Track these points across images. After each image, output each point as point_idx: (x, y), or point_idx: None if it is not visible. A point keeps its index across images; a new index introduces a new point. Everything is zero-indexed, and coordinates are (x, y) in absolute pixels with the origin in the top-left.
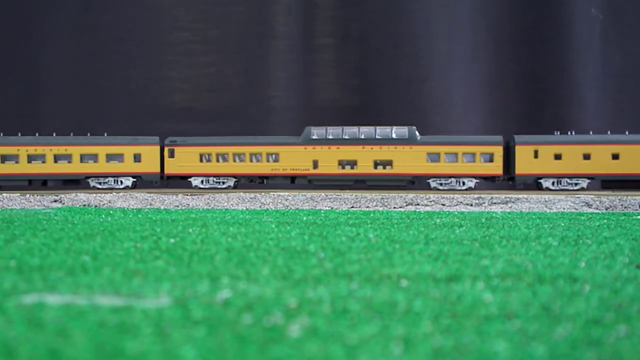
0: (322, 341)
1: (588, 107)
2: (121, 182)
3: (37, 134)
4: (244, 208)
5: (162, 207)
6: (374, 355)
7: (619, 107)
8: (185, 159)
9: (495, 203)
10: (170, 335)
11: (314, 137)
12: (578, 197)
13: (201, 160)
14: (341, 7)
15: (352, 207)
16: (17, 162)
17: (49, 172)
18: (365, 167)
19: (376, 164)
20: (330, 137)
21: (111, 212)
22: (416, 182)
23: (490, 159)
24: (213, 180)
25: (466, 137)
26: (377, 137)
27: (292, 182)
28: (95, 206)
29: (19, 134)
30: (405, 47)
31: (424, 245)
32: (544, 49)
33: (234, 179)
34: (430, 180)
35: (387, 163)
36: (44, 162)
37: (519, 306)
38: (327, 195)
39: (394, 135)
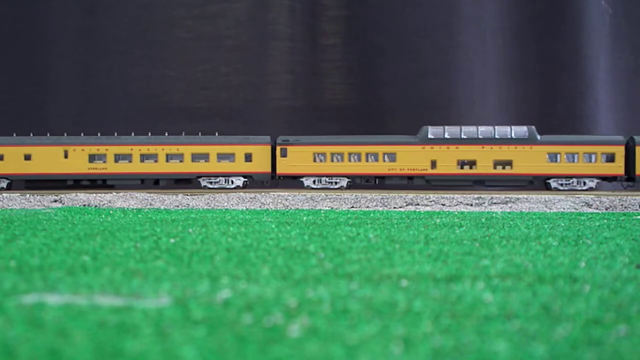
0: (322, 341)
1: (600, 102)
2: (232, 181)
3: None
4: (244, 208)
5: (162, 207)
6: (374, 355)
7: (630, 101)
8: (298, 158)
9: (495, 203)
10: (170, 335)
11: (431, 137)
12: (578, 197)
13: (314, 160)
14: (345, 6)
15: (352, 207)
16: (130, 162)
17: (161, 171)
18: (484, 167)
19: (496, 164)
20: (448, 136)
21: (111, 212)
22: (535, 182)
23: (612, 158)
24: (325, 181)
25: (587, 137)
26: (496, 136)
27: (409, 181)
28: (95, 206)
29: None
30: (411, 45)
31: (424, 245)
32: (553, 42)
33: (347, 179)
34: (550, 181)
35: (507, 163)
36: (156, 161)
37: (519, 306)
38: (327, 195)
39: (513, 135)
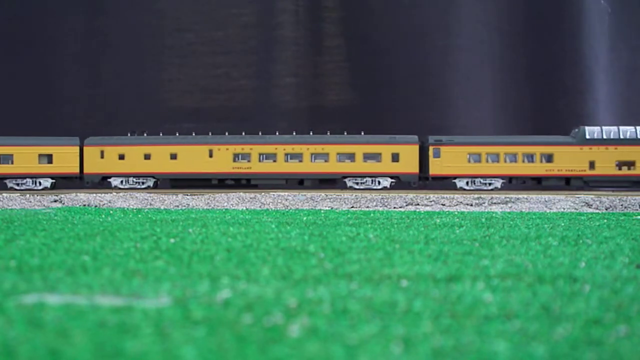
0: (322, 341)
1: (599, 101)
2: (379, 182)
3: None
4: (244, 208)
5: (162, 207)
6: (374, 355)
7: (627, 101)
8: (451, 159)
9: (495, 203)
10: (170, 335)
11: (589, 137)
12: (578, 197)
13: (469, 161)
14: (346, 8)
15: (352, 207)
16: (274, 161)
17: (305, 171)
18: None
19: None
20: (606, 136)
21: (111, 212)
22: None
23: None
24: (480, 182)
25: None
26: None
27: (567, 183)
28: (95, 206)
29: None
30: (412, 45)
31: (424, 245)
32: (552, 42)
33: (502, 181)
34: None
35: None
36: (300, 161)
37: (519, 306)
38: (327, 195)
39: None
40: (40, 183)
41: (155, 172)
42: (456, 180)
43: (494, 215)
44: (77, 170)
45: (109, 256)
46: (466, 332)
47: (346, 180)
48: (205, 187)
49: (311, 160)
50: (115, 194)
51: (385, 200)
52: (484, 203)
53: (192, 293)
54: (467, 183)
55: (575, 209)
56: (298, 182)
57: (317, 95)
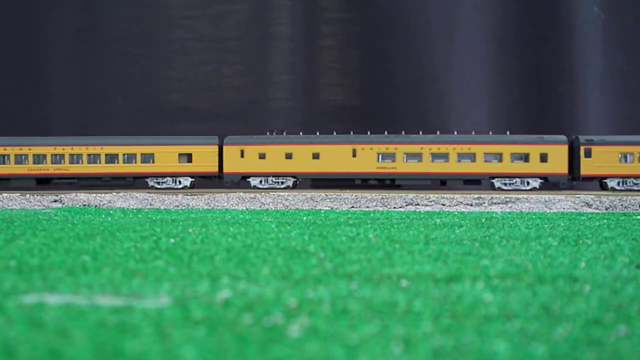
0: (322, 341)
1: (591, 107)
2: (527, 183)
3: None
4: (244, 208)
5: (162, 207)
6: (374, 355)
7: (621, 107)
8: (603, 159)
9: (495, 203)
10: (170, 335)
11: None
12: (578, 197)
13: (620, 161)
14: (344, 8)
15: (352, 207)
16: (420, 161)
17: (451, 171)
18: None
19: None
20: None
21: (111, 212)
22: None
23: None
24: (632, 182)
25: None
26: None
27: None
28: (95, 206)
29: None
30: (408, 48)
31: (424, 245)
32: (546, 49)
33: None
34: None
35: None
36: (446, 161)
37: (519, 306)
38: (327, 195)
39: None
40: (180, 182)
41: (297, 172)
42: (607, 181)
43: (494, 215)
44: (216, 169)
45: (109, 256)
46: (466, 332)
47: (494, 181)
48: (348, 187)
49: (457, 160)
50: (115, 193)
51: (385, 200)
52: (484, 203)
53: (192, 293)
54: (619, 183)
55: (575, 209)
56: (440, 183)
57: (312, 95)
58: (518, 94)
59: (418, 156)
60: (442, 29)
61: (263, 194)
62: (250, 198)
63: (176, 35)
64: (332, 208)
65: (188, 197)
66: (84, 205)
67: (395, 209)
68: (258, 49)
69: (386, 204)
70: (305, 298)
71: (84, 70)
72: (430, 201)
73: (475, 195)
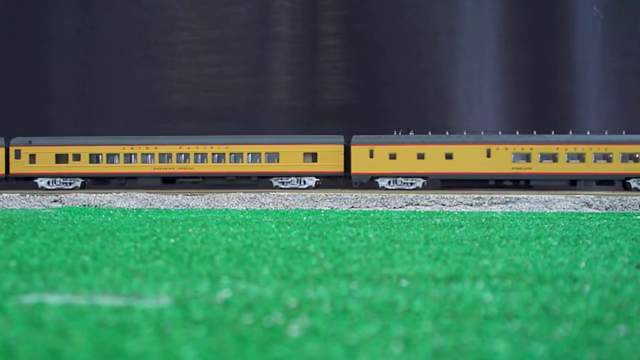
0: (322, 341)
1: (591, 106)
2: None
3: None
4: (244, 208)
5: (162, 207)
6: (374, 355)
7: (619, 106)
8: None
9: (495, 203)
10: (170, 335)
11: None
12: (578, 197)
13: None
14: (345, 7)
15: (352, 207)
16: (555, 162)
17: (587, 171)
18: None
19: None
20: None
21: (111, 212)
22: None
23: None
24: None
25: None
26: None
27: None
28: (95, 206)
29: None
30: (410, 46)
31: (424, 245)
32: (546, 47)
33: None
34: None
35: None
36: (582, 161)
37: (519, 306)
38: (327, 195)
39: None
40: (304, 182)
41: (427, 172)
42: None
43: (494, 215)
44: (341, 169)
45: (109, 256)
46: (466, 332)
47: (630, 181)
48: (481, 187)
49: (593, 161)
50: (115, 193)
51: (385, 200)
52: (484, 203)
53: (192, 293)
54: None
55: (575, 209)
56: (569, 183)
57: (314, 95)
58: (519, 92)
59: (553, 156)
60: (444, 26)
61: (263, 193)
62: (250, 198)
63: (178, 37)
64: (332, 208)
65: (188, 197)
66: (84, 205)
67: (395, 209)
68: (260, 50)
69: (386, 204)
70: (305, 298)
71: (86, 70)
72: (430, 201)
73: (475, 195)
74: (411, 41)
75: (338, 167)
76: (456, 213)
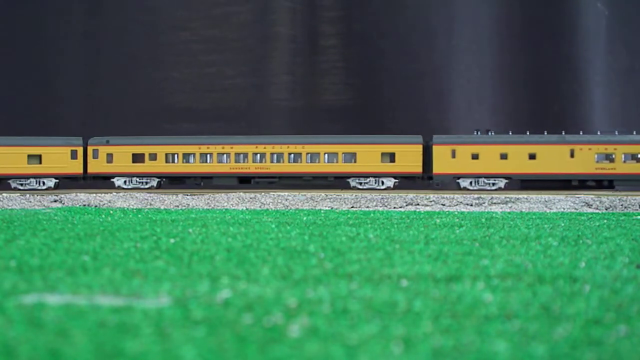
0: (322, 341)
1: (595, 103)
2: None
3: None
4: (244, 208)
5: (162, 207)
6: (374, 355)
7: (625, 103)
8: None
9: (495, 203)
10: (170, 335)
11: None
12: (578, 197)
13: None
14: (344, 7)
15: (352, 207)
16: (638, 162)
17: None
18: None
19: None
20: None
21: (111, 212)
22: None
23: None
24: None
25: None
26: None
27: None
28: (95, 206)
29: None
30: (409, 46)
31: (424, 245)
32: (549, 45)
33: None
34: None
35: None
36: None
37: (519, 306)
38: (327, 195)
39: None
40: (383, 182)
41: (510, 173)
42: None
43: (494, 215)
44: (419, 169)
45: (109, 256)
46: (466, 332)
47: None
48: (564, 188)
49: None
50: (115, 193)
51: (385, 200)
52: (484, 203)
53: (192, 293)
54: None
55: (575, 209)
56: (608, 184)
57: (314, 95)
58: (519, 91)
59: (637, 157)
60: (443, 25)
61: (263, 193)
62: (250, 198)
63: (179, 38)
64: (332, 208)
65: (188, 197)
66: (84, 205)
67: (395, 209)
68: (259, 50)
69: (386, 204)
70: (305, 298)
71: (91, 72)
72: (430, 201)
73: (475, 195)
74: (410, 41)
75: (416, 167)
76: (456, 213)
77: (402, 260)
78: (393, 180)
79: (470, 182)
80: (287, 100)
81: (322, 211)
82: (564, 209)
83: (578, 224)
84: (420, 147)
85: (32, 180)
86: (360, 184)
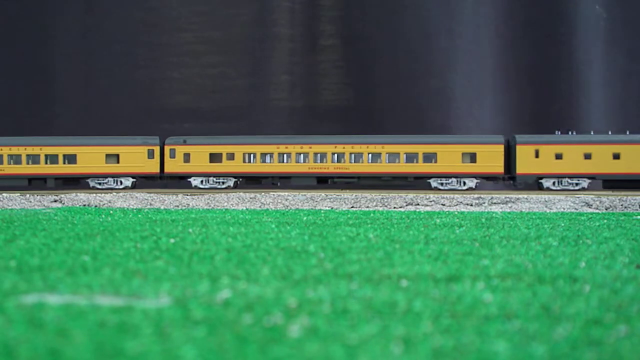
0: (322, 341)
1: (593, 105)
2: None
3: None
4: (244, 208)
5: (162, 207)
6: (374, 355)
7: (623, 105)
8: None
9: (495, 203)
10: (170, 335)
11: None
12: (578, 197)
13: None
14: (343, 7)
15: (352, 207)
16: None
17: None
18: None
19: None
20: None
21: (111, 212)
22: None
23: None
24: None
25: None
26: None
27: None
28: (95, 206)
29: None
30: (409, 46)
31: (424, 245)
32: (548, 46)
33: None
34: None
35: None
36: None
37: (519, 306)
38: (327, 195)
39: None
40: (464, 183)
41: (595, 173)
42: None
43: (494, 215)
44: (501, 170)
45: (109, 256)
46: (466, 332)
47: None
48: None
49: None
50: (115, 193)
51: (385, 200)
52: (484, 203)
53: (192, 293)
54: None
55: (575, 209)
56: None
57: (314, 95)
58: (519, 92)
59: None
60: (443, 26)
61: (263, 193)
62: (250, 198)
63: (180, 38)
64: (332, 208)
65: (188, 197)
66: (84, 205)
67: (395, 209)
68: (259, 50)
69: (386, 204)
70: (305, 298)
71: (89, 71)
72: (430, 201)
73: (475, 195)
74: (410, 41)
75: (498, 167)
76: (456, 213)
77: (402, 260)
78: (475, 180)
79: (554, 183)
80: (286, 100)
81: (322, 211)
82: (564, 209)
83: (578, 224)
84: (502, 147)
85: (109, 179)
86: (442, 184)
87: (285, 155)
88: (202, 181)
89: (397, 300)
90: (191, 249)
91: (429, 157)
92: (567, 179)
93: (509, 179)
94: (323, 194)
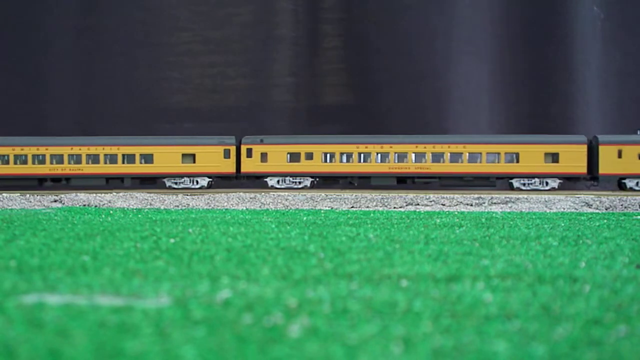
0: (322, 341)
1: (591, 105)
2: None
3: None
4: (244, 208)
5: (162, 207)
6: (374, 355)
7: (620, 105)
8: None
9: (495, 203)
10: (170, 335)
11: None
12: (578, 197)
13: None
14: (345, 9)
15: (352, 207)
16: None
17: None
18: None
19: None
20: None
21: (111, 212)
22: None
23: None
24: None
25: None
26: None
27: None
28: (95, 206)
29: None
30: (409, 47)
31: (424, 245)
32: (545, 47)
33: None
34: None
35: None
36: None
37: (519, 306)
38: (327, 195)
39: None
40: (547, 183)
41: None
42: None
43: (494, 215)
44: (584, 170)
45: (109, 256)
46: (466, 332)
47: None
48: None
49: None
50: (115, 193)
51: (385, 200)
52: (484, 203)
53: (192, 293)
54: None
55: (575, 209)
56: None
57: (315, 96)
58: (517, 93)
59: None
60: (443, 27)
61: (263, 193)
62: (250, 198)
63: (180, 38)
64: (332, 208)
65: (188, 197)
66: (84, 205)
67: (395, 209)
68: (261, 51)
69: (386, 204)
70: (305, 298)
71: (86, 71)
72: (430, 201)
73: (475, 195)
74: (410, 43)
75: (581, 167)
76: (456, 213)
77: (402, 260)
78: (558, 181)
79: (637, 183)
80: (288, 102)
81: (322, 211)
82: (564, 209)
83: (578, 224)
84: (584, 147)
85: (186, 179)
86: (524, 184)
87: (365, 155)
88: (278, 181)
89: (397, 300)
90: (191, 249)
91: (511, 157)
92: None
93: (591, 179)
94: (323, 194)
